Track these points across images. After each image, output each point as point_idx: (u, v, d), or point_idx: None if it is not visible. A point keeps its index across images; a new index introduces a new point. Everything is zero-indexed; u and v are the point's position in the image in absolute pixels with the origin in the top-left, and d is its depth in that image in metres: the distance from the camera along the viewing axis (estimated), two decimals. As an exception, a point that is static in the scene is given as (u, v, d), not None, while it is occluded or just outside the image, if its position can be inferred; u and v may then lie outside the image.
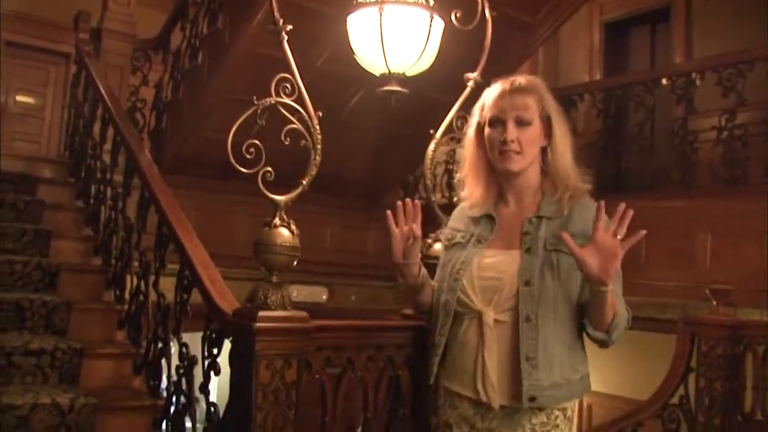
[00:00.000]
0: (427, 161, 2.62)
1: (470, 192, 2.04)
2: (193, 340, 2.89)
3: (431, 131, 2.66)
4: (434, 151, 2.64)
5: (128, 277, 3.42)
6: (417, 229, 1.99)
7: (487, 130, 1.95)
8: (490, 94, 1.97)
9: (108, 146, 3.99)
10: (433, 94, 3.96)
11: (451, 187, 2.68)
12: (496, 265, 1.88)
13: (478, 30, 2.78)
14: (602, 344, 1.82)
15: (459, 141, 2.68)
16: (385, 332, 2.42)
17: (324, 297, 5.41)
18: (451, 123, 2.66)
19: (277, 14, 2.32)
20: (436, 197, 2.78)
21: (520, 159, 1.89)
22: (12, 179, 4.50)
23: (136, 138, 3.67)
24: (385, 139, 5.30)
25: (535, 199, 1.94)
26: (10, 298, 3.28)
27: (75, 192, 4.51)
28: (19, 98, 9.77)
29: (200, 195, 4.82)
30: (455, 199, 2.51)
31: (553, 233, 1.83)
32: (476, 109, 2.02)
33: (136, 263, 3.35)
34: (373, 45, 2.43)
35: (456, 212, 2.12)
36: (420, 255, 2.06)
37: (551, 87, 6.67)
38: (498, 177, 1.98)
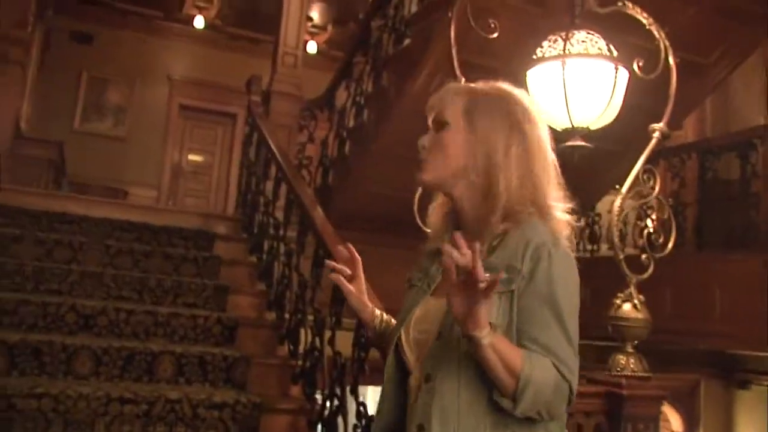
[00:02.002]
0: (614, 217, 2.50)
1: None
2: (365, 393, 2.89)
3: (617, 186, 2.55)
4: (621, 206, 2.51)
5: (302, 333, 3.48)
6: (352, 270, 1.77)
7: None
8: None
9: (280, 203, 4.13)
10: (600, 144, 3.84)
11: (647, 236, 2.50)
12: (429, 315, 1.52)
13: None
14: (510, 413, 1.36)
15: (646, 195, 2.57)
16: (575, 398, 2.30)
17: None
18: (637, 176, 2.54)
19: (458, 70, 2.33)
20: (624, 251, 2.63)
21: (425, 167, 1.55)
22: (189, 235, 4.75)
23: (310, 196, 3.78)
24: (548, 190, 5.17)
25: (484, 234, 1.50)
26: (194, 351, 3.42)
27: (248, 248, 4.69)
28: (191, 157, 10.49)
29: (369, 249, 4.86)
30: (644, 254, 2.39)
31: None
32: None
33: (310, 318, 3.41)
34: (556, 100, 2.38)
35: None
36: (364, 295, 1.78)
37: (721, 131, 6.27)
38: None
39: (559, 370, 1.34)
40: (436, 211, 1.66)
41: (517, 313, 1.38)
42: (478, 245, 1.25)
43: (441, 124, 1.54)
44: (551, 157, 1.55)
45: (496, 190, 1.47)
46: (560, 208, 1.50)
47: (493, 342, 1.30)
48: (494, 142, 1.50)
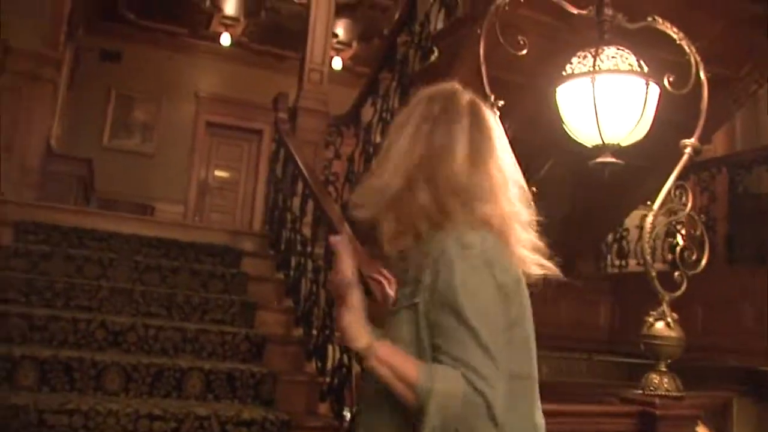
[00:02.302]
0: (646, 234, 2.47)
1: None
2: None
3: (648, 203, 2.52)
4: (652, 223, 2.48)
5: (330, 349, 3.47)
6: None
7: None
8: None
9: (308, 219, 4.14)
10: (629, 159, 3.82)
11: (679, 252, 2.47)
12: None
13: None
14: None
15: (676, 212, 2.54)
16: (607, 418, 2.27)
17: (515, 369, 5.25)
18: (668, 193, 2.51)
19: (488, 89, 2.32)
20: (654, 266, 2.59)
21: None
22: (216, 252, 4.78)
23: (337, 213, 3.78)
24: (576, 207, 5.14)
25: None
26: (222, 368, 3.43)
27: (275, 264, 4.70)
28: (217, 173, 10.58)
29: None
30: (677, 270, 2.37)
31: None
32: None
33: (337, 335, 3.40)
34: (586, 116, 2.36)
35: None
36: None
37: (751, 145, 6.17)
38: None
39: (469, 381, 1.24)
40: None
41: (429, 328, 1.32)
42: (346, 240, 1.27)
43: None
44: (480, 160, 1.43)
45: None
46: (491, 215, 1.40)
47: (379, 355, 1.26)
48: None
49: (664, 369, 2.39)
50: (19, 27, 5.18)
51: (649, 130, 2.60)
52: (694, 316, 5.12)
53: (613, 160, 2.38)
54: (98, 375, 3.22)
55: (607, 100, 2.31)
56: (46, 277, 3.90)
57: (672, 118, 2.79)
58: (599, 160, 2.38)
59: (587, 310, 5.97)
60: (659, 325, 2.37)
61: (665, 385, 2.33)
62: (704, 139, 5.14)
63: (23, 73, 5.19)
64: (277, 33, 10.16)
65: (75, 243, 4.43)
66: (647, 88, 2.36)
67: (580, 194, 4.90)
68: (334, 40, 9.60)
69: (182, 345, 3.64)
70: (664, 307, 2.40)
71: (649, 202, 2.54)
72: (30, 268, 4.00)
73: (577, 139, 2.45)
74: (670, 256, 5.01)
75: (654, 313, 2.40)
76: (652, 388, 2.34)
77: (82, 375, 3.20)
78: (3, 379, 3.09)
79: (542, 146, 4.26)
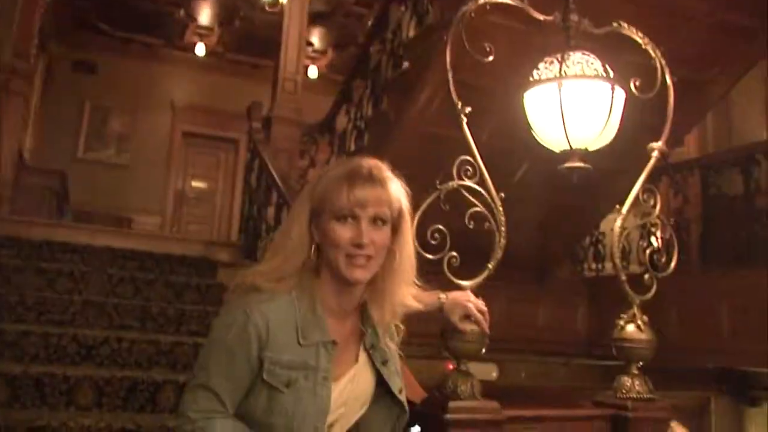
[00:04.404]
0: (615, 238, 2.48)
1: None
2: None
3: (617, 206, 2.53)
4: (621, 226, 2.49)
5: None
6: None
7: (332, 224, 1.51)
8: (336, 178, 1.55)
9: (282, 229, 4.13)
10: (599, 162, 3.84)
11: (649, 255, 2.50)
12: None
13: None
14: None
15: (648, 215, 2.55)
16: (579, 422, 2.28)
17: (494, 374, 5.24)
18: (637, 196, 2.51)
19: (455, 96, 2.31)
20: (629, 269, 2.59)
21: (372, 267, 1.53)
22: (191, 263, 4.75)
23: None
24: (552, 210, 5.16)
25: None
26: (196, 381, 3.39)
27: (251, 274, 4.67)
28: (194, 183, 10.52)
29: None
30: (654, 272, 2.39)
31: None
32: (308, 193, 1.58)
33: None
34: (553, 121, 2.37)
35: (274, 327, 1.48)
36: None
37: (724, 146, 6.25)
38: (327, 283, 1.56)
39: None
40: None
41: None
42: None
43: (383, 221, 1.54)
44: None
45: (395, 282, 1.63)
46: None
47: None
48: (404, 235, 1.63)
49: (635, 372, 2.39)
50: (-12, 39, 5.13)
51: (621, 132, 2.61)
52: (670, 319, 5.16)
53: (582, 164, 2.38)
54: (70, 390, 3.17)
55: (574, 106, 2.32)
56: (18, 291, 3.85)
57: (644, 120, 2.80)
58: (567, 165, 2.38)
59: (565, 313, 5.99)
60: (630, 328, 2.38)
61: (636, 388, 2.33)
62: (676, 141, 5.20)
63: (-7, 86, 5.14)
64: (251, 42, 10.14)
65: (47, 256, 4.38)
66: (613, 92, 2.36)
67: (555, 198, 4.91)
68: (310, 49, 9.61)
69: (156, 358, 3.60)
70: (635, 310, 2.40)
71: (618, 206, 2.55)
72: (1, 283, 3.95)
73: (545, 145, 2.46)
74: (645, 258, 5.06)
75: (624, 316, 2.40)
76: (624, 391, 2.34)
77: (53, 390, 3.15)
78: (-28, 397, 3.05)
79: (515, 150, 4.26)
